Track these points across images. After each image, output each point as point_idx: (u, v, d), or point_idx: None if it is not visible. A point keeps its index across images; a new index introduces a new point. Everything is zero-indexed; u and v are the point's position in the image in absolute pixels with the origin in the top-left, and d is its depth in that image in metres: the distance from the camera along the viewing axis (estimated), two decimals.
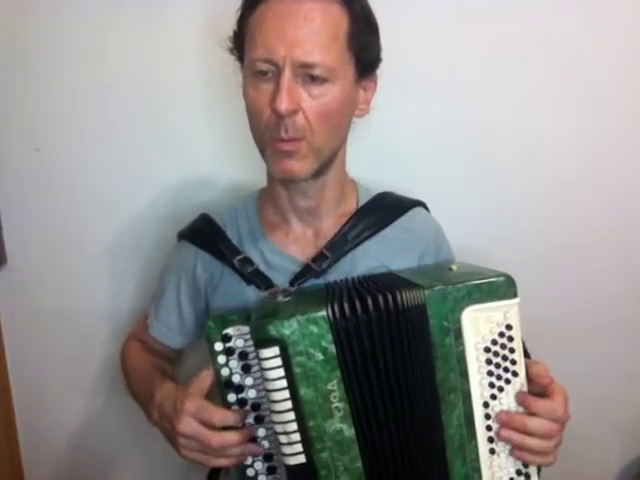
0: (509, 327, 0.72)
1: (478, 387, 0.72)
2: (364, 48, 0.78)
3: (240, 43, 0.80)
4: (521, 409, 0.73)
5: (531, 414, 0.72)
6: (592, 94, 1.09)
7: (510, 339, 0.72)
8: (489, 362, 0.72)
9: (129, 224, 1.16)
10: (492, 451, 0.73)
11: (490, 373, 0.72)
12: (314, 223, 0.88)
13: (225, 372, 0.72)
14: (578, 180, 1.13)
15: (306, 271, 0.85)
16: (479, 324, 0.71)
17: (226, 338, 0.71)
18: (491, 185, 1.13)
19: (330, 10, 0.74)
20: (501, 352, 0.72)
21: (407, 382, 0.71)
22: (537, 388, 0.73)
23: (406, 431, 0.71)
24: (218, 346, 0.71)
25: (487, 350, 0.72)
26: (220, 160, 1.13)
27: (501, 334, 0.72)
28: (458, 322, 0.70)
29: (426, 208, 0.99)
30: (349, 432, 0.68)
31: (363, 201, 0.92)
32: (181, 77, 1.09)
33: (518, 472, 0.74)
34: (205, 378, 0.72)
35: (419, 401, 0.71)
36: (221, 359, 0.72)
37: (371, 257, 0.88)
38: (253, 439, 0.73)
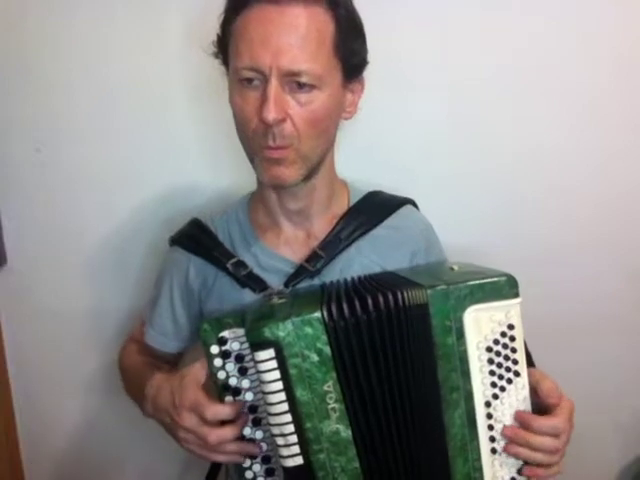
0: (511, 327, 0.72)
1: (480, 387, 0.72)
2: (351, 53, 0.77)
3: (224, 47, 0.79)
4: (522, 408, 0.73)
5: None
6: (590, 93, 1.09)
7: (512, 339, 0.72)
8: (491, 362, 0.72)
9: (129, 224, 1.16)
10: (493, 450, 0.73)
11: (492, 373, 0.72)
12: (305, 224, 0.88)
13: (222, 375, 0.71)
14: (576, 178, 1.13)
15: (300, 272, 0.84)
16: (481, 324, 0.71)
17: (222, 341, 0.71)
18: (487, 183, 1.13)
19: (315, 15, 0.72)
20: (503, 352, 0.72)
21: (407, 381, 0.71)
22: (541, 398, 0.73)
23: (407, 431, 0.71)
24: (214, 349, 0.71)
25: (489, 350, 0.72)
26: (212, 165, 1.13)
27: (503, 334, 0.72)
28: (460, 321, 0.71)
29: (415, 206, 0.99)
30: (345, 433, 0.68)
31: (354, 201, 0.91)
32: (172, 81, 1.09)
33: (519, 471, 0.74)
34: (199, 369, 0.71)
35: (420, 400, 0.71)
36: (217, 362, 0.71)
37: (365, 256, 0.88)
38: (251, 441, 0.73)
